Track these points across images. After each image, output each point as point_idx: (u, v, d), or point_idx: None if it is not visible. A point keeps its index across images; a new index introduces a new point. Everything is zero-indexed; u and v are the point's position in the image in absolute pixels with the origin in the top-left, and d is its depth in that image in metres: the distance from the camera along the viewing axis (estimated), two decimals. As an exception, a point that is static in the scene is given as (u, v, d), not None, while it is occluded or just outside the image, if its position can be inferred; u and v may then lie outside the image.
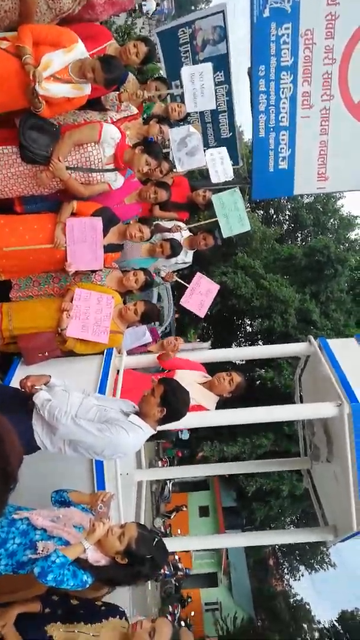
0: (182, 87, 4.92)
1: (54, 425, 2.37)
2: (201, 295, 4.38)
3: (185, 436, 16.11)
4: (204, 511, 23.09)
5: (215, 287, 4.44)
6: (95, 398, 2.61)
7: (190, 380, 3.48)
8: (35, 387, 2.48)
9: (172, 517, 17.12)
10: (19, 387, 2.56)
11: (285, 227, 22.87)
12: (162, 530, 15.17)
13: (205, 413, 3.41)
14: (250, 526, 19.76)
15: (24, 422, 2.43)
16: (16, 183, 3.22)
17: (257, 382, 14.87)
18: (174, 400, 2.44)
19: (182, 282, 4.56)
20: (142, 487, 4.28)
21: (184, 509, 19.28)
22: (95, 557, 2.11)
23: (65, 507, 2.36)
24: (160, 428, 2.57)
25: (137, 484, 4.23)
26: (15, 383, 3.10)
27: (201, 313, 4.41)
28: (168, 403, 2.43)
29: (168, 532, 16.04)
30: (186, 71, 4.53)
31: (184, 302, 4.42)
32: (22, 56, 2.75)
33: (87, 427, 2.35)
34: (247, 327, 19.35)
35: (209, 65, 4.53)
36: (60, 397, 2.50)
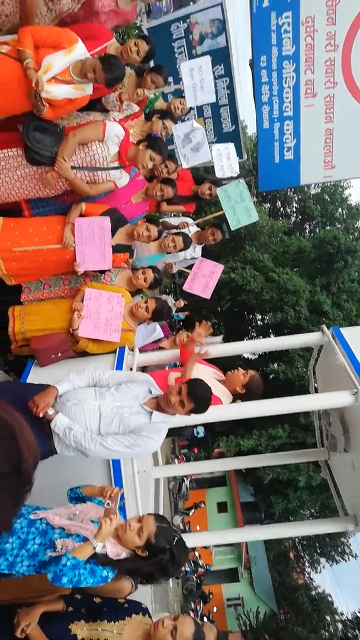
0: (174, 83, 4.90)
1: (83, 452, 2.41)
2: (205, 277, 4.35)
3: (200, 434, 16.07)
4: (222, 507, 23.12)
5: (219, 268, 4.40)
6: (110, 393, 2.56)
7: (206, 375, 3.47)
8: (49, 414, 2.39)
9: (190, 514, 17.13)
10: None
11: (293, 219, 22.72)
12: (181, 527, 15.20)
13: (221, 407, 3.39)
14: (269, 521, 19.74)
15: (44, 443, 2.43)
16: (22, 186, 3.23)
17: (271, 377, 14.83)
18: (201, 411, 2.53)
19: (187, 270, 4.54)
20: (160, 484, 4.29)
21: (202, 505, 19.31)
22: (116, 550, 2.11)
23: (82, 503, 2.37)
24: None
25: (155, 481, 4.24)
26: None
27: (206, 294, 4.37)
28: (195, 412, 2.51)
29: (187, 529, 16.07)
30: (185, 66, 4.50)
31: (187, 287, 4.40)
32: (23, 60, 2.76)
33: (115, 447, 2.38)
34: (259, 322, 19.30)
35: (207, 59, 4.48)
36: (76, 415, 2.43)
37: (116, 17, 3.69)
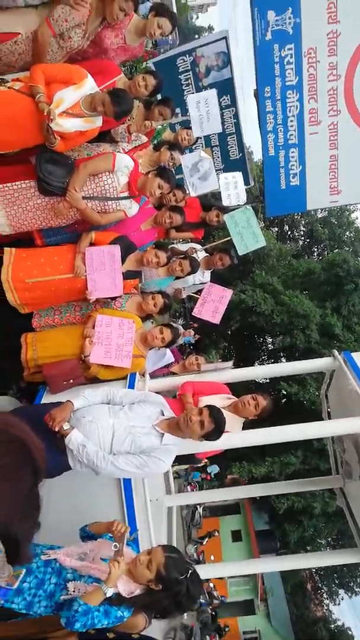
0: (182, 114, 5.05)
1: (94, 469, 2.42)
2: (214, 302, 4.38)
3: (214, 470, 15.60)
4: (236, 536, 22.52)
5: (228, 292, 4.43)
6: (123, 412, 2.58)
7: (217, 405, 3.43)
8: (64, 429, 2.41)
9: (204, 543, 16.72)
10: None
11: (301, 242, 22.84)
12: (195, 557, 14.82)
13: (234, 434, 3.36)
14: (284, 549, 19.20)
15: (58, 458, 2.43)
16: (35, 216, 3.31)
17: (283, 400, 14.67)
18: (215, 437, 2.57)
19: (196, 295, 4.56)
20: (173, 513, 4.21)
21: (216, 534, 18.84)
22: (129, 588, 2.07)
23: (93, 540, 2.32)
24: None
25: (167, 510, 4.17)
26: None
27: (215, 319, 4.38)
28: (209, 437, 2.55)
29: (201, 558, 15.67)
30: (192, 99, 4.63)
31: (197, 312, 4.41)
32: (35, 95, 2.86)
33: (126, 467, 2.40)
34: (269, 345, 19.19)
35: (213, 92, 4.62)
36: (90, 431, 2.46)
37: (124, 52, 3.83)
